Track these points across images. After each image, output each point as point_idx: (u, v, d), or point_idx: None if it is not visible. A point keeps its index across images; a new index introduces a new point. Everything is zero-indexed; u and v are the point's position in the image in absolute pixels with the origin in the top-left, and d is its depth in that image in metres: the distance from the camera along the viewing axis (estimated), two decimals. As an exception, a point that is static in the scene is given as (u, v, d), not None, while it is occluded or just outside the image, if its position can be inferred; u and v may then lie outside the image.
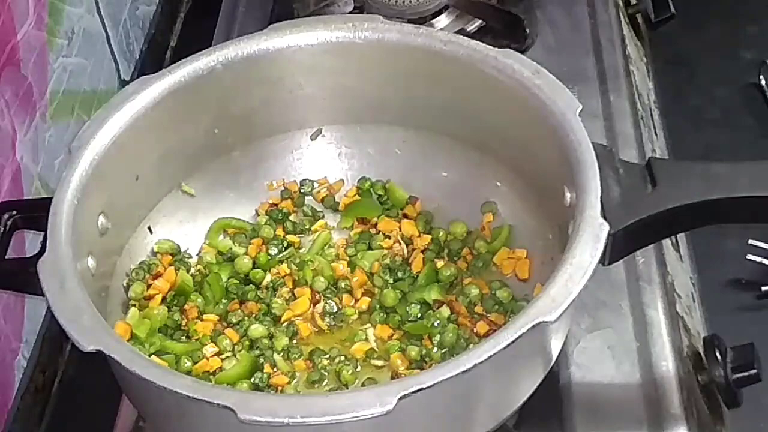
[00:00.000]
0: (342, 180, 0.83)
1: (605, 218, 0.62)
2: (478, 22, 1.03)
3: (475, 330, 0.73)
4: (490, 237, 0.78)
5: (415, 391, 0.54)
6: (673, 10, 1.16)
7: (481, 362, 0.55)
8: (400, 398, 0.54)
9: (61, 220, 0.65)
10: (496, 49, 0.73)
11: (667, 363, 0.76)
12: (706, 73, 1.23)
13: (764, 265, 0.96)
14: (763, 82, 1.18)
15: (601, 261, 0.61)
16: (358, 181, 0.83)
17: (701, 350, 0.78)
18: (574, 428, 0.72)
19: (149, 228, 0.77)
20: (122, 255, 0.75)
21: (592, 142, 0.66)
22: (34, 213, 0.69)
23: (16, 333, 0.85)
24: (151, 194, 0.77)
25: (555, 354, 0.67)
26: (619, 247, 0.64)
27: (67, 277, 0.62)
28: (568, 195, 0.67)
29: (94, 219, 0.70)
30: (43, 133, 0.90)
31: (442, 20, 1.04)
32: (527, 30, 1.01)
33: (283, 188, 0.83)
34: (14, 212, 0.71)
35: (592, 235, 0.61)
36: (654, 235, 0.69)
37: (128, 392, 0.68)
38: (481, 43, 0.74)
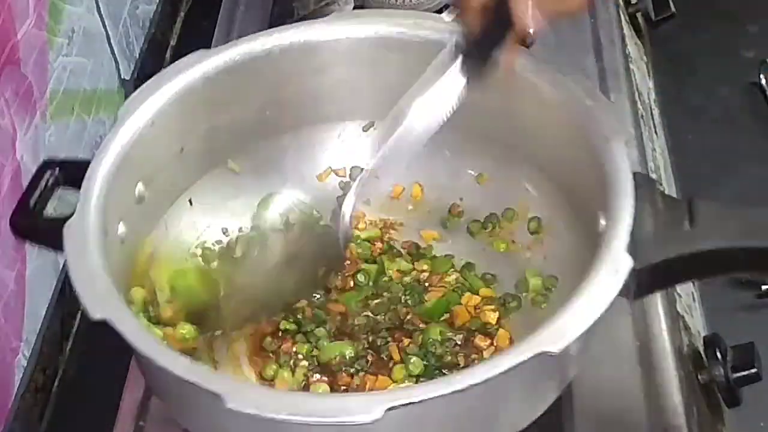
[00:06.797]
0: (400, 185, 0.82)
1: (633, 252, 0.59)
2: (479, 22, 1.02)
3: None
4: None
5: (404, 404, 0.53)
6: (673, 9, 1.16)
7: (476, 384, 0.54)
8: (388, 409, 0.53)
9: (95, 184, 0.65)
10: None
11: (667, 362, 0.76)
12: (707, 73, 1.24)
13: (764, 264, 0.96)
14: (763, 82, 1.18)
15: (625, 295, 0.58)
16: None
17: (701, 349, 0.78)
18: (574, 428, 0.72)
19: (190, 200, 0.77)
20: (159, 225, 0.74)
21: (635, 173, 0.63)
22: (76, 174, 0.68)
23: (17, 332, 0.85)
24: (195, 167, 0.76)
25: (561, 384, 0.65)
26: (646, 284, 0.61)
27: (90, 242, 0.61)
28: (602, 222, 0.64)
29: (132, 186, 0.69)
30: (43, 132, 0.90)
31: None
32: (527, 29, 1.01)
33: (341, 179, 0.82)
34: (57, 169, 0.70)
35: (613, 269, 0.58)
36: (685, 275, 0.66)
37: (137, 361, 0.67)
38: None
